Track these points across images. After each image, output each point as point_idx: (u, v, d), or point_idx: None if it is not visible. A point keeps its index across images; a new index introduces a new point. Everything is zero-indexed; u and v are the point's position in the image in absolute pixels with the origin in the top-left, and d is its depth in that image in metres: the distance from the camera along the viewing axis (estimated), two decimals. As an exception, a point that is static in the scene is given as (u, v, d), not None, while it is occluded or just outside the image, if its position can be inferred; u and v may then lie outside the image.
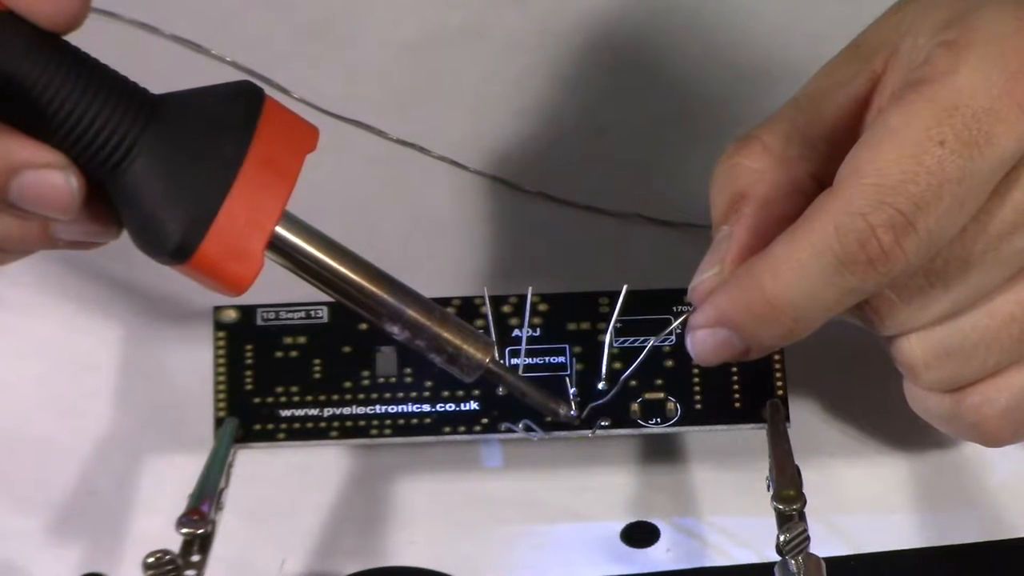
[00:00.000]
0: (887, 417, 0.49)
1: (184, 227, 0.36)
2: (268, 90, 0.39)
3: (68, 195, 0.37)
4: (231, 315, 0.49)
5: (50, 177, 0.37)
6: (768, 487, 0.44)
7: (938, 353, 0.41)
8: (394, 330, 0.40)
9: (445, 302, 0.48)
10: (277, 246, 0.38)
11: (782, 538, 0.42)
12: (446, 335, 0.40)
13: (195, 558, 0.42)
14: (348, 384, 0.48)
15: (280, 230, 0.38)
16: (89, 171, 0.37)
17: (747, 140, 0.42)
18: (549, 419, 0.44)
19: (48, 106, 0.36)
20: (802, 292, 0.39)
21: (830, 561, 0.42)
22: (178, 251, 0.37)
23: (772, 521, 0.43)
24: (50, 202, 0.37)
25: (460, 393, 0.48)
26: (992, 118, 0.37)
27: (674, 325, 0.45)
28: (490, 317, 0.47)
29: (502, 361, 0.42)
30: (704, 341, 0.41)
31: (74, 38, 0.37)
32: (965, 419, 0.42)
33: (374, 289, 0.40)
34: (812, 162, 0.41)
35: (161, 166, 0.37)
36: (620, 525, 0.49)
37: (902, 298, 0.40)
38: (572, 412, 0.44)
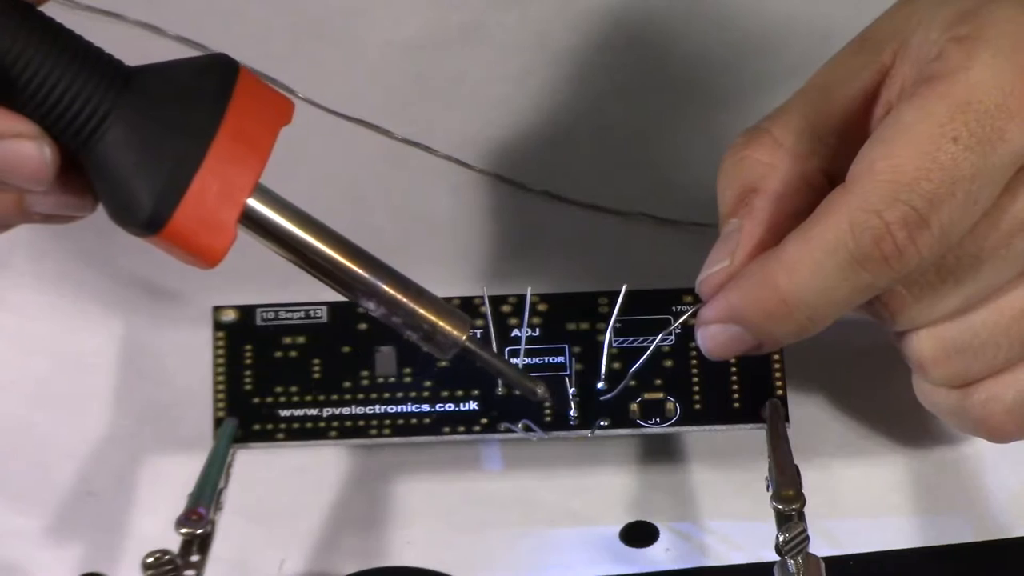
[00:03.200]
0: (887, 417, 0.49)
1: (156, 198, 0.36)
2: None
3: (42, 164, 0.37)
4: (230, 315, 0.49)
5: (22, 147, 0.36)
6: (767, 487, 0.44)
7: (947, 349, 0.41)
8: (369, 306, 0.40)
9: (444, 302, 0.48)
10: (250, 218, 0.38)
11: (781, 538, 0.42)
12: (422, 311, 0.40)
13: (194, 558, 0.42)
14: (347, 384, 0.48)
15: (253, 202, 0.37)
16: (63, 142, 0.37)
17: (757, 133, 0.41)
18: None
19: (20, 75, 0.36)
20: (816, 290, 0.38)
21: (829, 561, 0.42)
22: (150, 222, 0.36)
23: (771, 521, 0.43)
24: (23, 172, 0.37)
25: (459, 393, 0.48)
26: (1004, 114, 0.37)
27: (683, 318, 0.45)
28: (489, 317, 0.47)
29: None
30: (716, 336, 0.41)
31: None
32: (971, 415, 0.42)
33: (348, 264, 0.39)
34: (822, 157, 0.41)
35: (134, 137, 0.36)
36: (619, 525, 0.49)
37: (913, 294, 0.40)
38: (545, 393, 0.43)
